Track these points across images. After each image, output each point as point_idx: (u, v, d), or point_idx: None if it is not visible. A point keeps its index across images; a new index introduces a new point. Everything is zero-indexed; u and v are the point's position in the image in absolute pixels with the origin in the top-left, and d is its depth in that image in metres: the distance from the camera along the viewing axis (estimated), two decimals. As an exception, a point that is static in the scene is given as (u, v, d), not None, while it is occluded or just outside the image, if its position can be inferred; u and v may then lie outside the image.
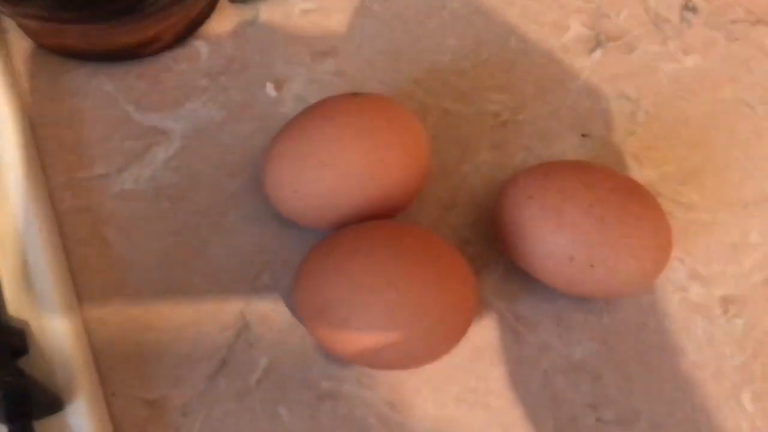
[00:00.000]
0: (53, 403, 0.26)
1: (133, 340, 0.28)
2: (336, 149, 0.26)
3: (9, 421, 0.24)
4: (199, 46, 0.33)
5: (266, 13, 0.34)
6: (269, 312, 0.28)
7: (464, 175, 0.31)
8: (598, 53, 0.34)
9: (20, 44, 0.33)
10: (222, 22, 0.34)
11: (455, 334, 0.25)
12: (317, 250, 0.26)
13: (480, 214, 0.30)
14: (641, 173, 0.31)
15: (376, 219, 0.27)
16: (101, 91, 0.32)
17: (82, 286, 0.29)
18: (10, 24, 0.33)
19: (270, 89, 0.32)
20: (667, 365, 0.28)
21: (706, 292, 0.29)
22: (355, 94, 0.28)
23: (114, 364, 0.28)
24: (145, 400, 0.27)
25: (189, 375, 0.28)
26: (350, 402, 0.27)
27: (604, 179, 0.26)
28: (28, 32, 0.32)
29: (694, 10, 0.35)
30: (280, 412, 0.27)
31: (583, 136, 0.32)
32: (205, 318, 0.28)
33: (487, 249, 0.30)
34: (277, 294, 0.29)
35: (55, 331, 0.27)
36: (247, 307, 0.28)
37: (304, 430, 0.27)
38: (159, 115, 0.32)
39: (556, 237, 0.26)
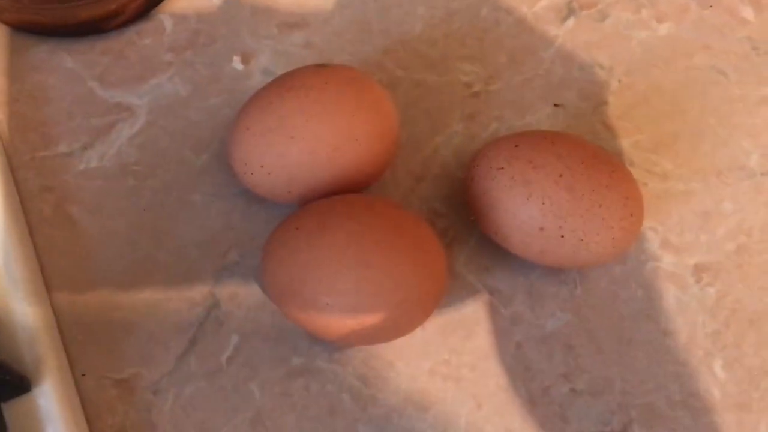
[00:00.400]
0: (21, 385, 0.25)
1: (101, 319, 0.28)
2: (302, 122, 0.26)
3: (-26, 403, 0.24)
4: (163, 19, 0.32)
5: (232, -15, 0.33)
6: (239, 289, 0.28)
7: (436, 147, 0.31)
8: (570, 21, 0.33)
9: (-22, 20, 0.32)
10: (187, -6, 0.33)
11: (426, 308, 0.25)
12: (284, 225, 0.25)
13: (452, 186, 0.30)
14: (614, 142, 0.31)
15: (345, 192, 0.27)
16: (64, 68, 0.31)
17: (49, 265, 0.28)
18: (-33, -1, 0.32)
19: (237, 63, 0.32)
20: (640, 334, 0.28)
21: (679, 261, 0.29)
22: (321, 66, 0.27)
23: (83, 344, 0.27)
24: (114, 379, 0.27)
25: (159, 354, 0.27)
26: (322, 378, 0.27)
27: (574, 149, 0.26)
28: (-14, 7, 0.31)
29: (667, -24, 0.34)
30: (251, 390, 0.27)
31: (556, 105, 0.32)
32: (174, 296, 0.28)
33: (459, 221, 0.30)
34: (247, 270, 0.28)
35: (22, 311, 0.27)
36: (217, 285, 0.28)
37: (276, 407, 0.27)
38: (123, 91, 0.31)
39: (526, 208, 0.25)
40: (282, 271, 0.25)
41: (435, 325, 0.28)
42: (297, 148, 0.26)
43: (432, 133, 0.31)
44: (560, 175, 0.25)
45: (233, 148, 0.27)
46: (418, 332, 0.28)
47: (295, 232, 0.25)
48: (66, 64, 0.31)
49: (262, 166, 0.26)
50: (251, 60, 0.32)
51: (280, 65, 0.32)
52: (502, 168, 0.26)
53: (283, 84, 0.27)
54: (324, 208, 0.25)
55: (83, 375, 0.27)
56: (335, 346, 0.27)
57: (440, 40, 0.33)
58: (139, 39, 0.32)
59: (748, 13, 0.34)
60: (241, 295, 0.28)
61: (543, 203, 0.25)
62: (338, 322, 0.24)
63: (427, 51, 0.32)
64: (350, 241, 0.24)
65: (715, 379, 0.28)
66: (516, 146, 0.26)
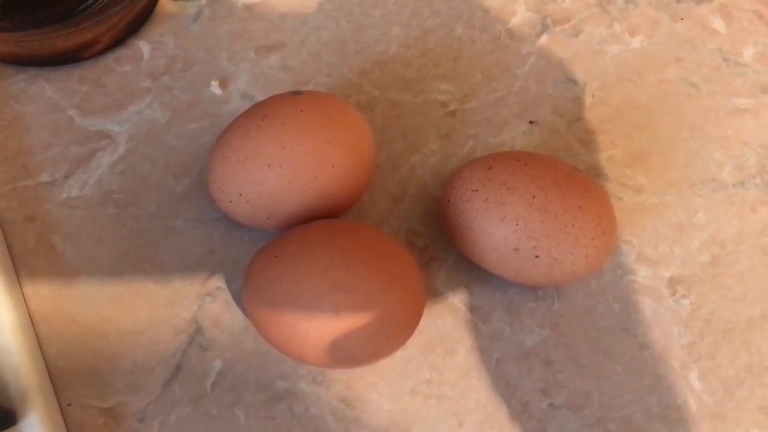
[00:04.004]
0: (7, 418, 0.26)
1: (86, 348, 0.28)
2: (279, 150, 0.26)
3: (-39, 439, 0.24)
4: (140, 45, 0.33)
5: (209, 9, 0.33)
6: (222, 314, 0.28)
7: (413, 167, 0.31)
8: (544, 38, 0.34)
9: (-44, 51, 0.32)
10: (164, 20, 0.33)
11: (405, 331, 0.26)
12: (264, 253, 0.26)
13: (429, 206, 0.31)
14: (589, 158, 0.32)
15: (324, 217, 0.27)
16: (43, 97, 0.32)
17: (32, 296, 0.29)
18: (-56, 31, 0.32)
19: (215, 87, 0.32)
20: (617, 348, 0.29)
21: (654, 273, 0.30)
22: (296, 92, 0.27)
23: (68, 374, 0.28)
24: (101, 408, 0.27)
25: (144, 381, 0.28)
26: (306, 400, 0.28)
27: (546, 170, 0.26)
28: (-37, 39, 0.31)
29: (639, -11, 0.35)
30: (236, 414, 0.27)
31: (531, 122, 0.32)
32: (157, 323, 0.28)
33: (438, 240, 0.30)
34: (229, 295, 0.29)
35: (6, 344, 0.27)
36: (200, 311, 0.28)
37: (261, 431, 0.27)
38: (103, 118, 0.31)
39: (500, 229, 0.26)
40: (263, 299, 0.25)
41: (416, 343, 0.28)
42: (274, 176, 0.26)
43: (409, 153, 0.31)
44: (533, 197, 0.26)
45: (212, 177, 0.27)
46: (399, 352, 0.28)
47: (275, 260, 0.25)
48: (45, 93, 0.32)
49: (240, 195, 0.26)
50: (229, 84, 0.32)
51: (258, 88, 0.32)
52: (477, 190, 0.26)
53: (259, 112, 0.27)
54: (302, 236, 0.26)
55: (69, 405, 0.27)
56: (318, 369, 0.28)
57: (415, 60, 0.33)
58: (117, 66, 0.32)
59: (718, 24, 0.34)
60: (224, 320, 0.28)
61: (517, 224, 0.26)
62: (319, 348, 0.24)
63: (403, 71, 0.33)
64: (328, 268, 0.24)
65: (692, 390, 0.28)
66: (490, 168, 0.27)
